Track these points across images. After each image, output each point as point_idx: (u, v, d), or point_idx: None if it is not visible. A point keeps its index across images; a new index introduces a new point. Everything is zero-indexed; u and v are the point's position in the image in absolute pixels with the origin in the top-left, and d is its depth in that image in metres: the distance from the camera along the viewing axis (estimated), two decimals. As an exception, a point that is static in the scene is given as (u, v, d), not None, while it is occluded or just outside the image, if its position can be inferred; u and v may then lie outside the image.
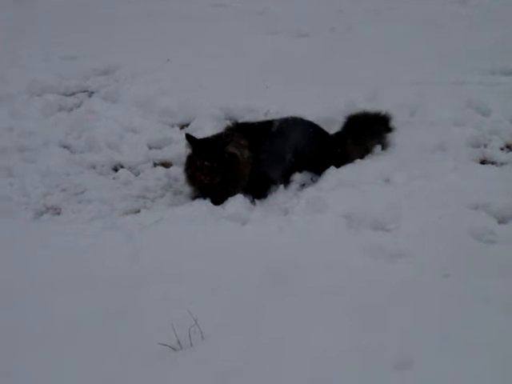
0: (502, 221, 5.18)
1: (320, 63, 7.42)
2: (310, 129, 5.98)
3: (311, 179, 5.80)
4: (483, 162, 5.95)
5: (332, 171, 5.83)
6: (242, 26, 8.53)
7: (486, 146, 6.10)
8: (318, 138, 5.98)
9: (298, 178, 5.78)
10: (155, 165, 6.08)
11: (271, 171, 5.70)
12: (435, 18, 8.75)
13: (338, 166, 5.88)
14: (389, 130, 6.21)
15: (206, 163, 5.48)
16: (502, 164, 5.93)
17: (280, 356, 3.86)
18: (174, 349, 4.01)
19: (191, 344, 4.02)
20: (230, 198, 5.51)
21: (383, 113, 6.24)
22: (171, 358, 3.98)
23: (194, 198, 5.61)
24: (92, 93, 6.86)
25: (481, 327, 4.04)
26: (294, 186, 5.72)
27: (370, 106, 6.32)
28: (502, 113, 6.39)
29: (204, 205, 5.49)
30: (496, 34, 7.55)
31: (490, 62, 7.02)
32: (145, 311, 4.27)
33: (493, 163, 5.94)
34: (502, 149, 6.09)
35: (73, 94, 6.85)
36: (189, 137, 5.56)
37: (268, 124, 5.91)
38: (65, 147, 6.20)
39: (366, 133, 6.11)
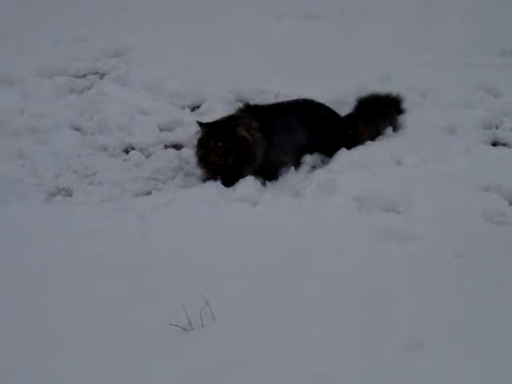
0: (512, 202, 5.21)
1: (331, 46, 7.41)
2: (321, 111, 5.98)
3: (322, 161, 5.81)
4: (495, 144, 5.95)
5: (343, 153, 5.84)
6: (252, 8, 8.46)
7: (497, 127, 6.10)
8: (329, 120, 5.98)
9: (308, 159, 5.79)
10: (166, 147, 6.09)
11: (282, 153, 5.71)
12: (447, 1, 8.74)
13: (348, 148, 5.88)
14: (400, 112, 6.21)
15: (219, 144, 5.51)
16: (513, 146, 5.92)
17: (284, 344, 3.88)
18: (186, 329, 4.04)
19: (202, 325, 4.05)
20: (241, 180, 5.54)
21: (394, 95, 6.25)
22: (183, 339, 4.01)
23: (205, 179, 5.63)
24: (103, 75, 6.87)
25: (491, 310, 4.06)
26: (304, 167, 5.73)
27: (382, 89, 6.32)
28: (512, 94, 6.38)
29: (215, 187, 5.51)
30: (506, 15, 7.52)
31: (501, 44, 7.00)
32: (156, 293, 4.30)
33: (504, 145, 5.94)
34: (513, 131, 6.08)
35: (84, 76, 6.86)
36: (200, 123, 5.59)
37: (279, 106, 5.94)
38: (76, 129, 6.22)
39: (377, 115, 6.12)
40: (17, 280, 4.37)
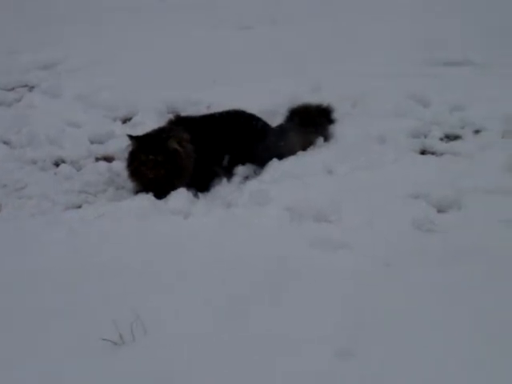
0: (441, 210, 5.27)
1: (263, 56, 7.42)
2: (253, 121, 6.02)
3: (254, 172, 5.83)
4: (423, 153, 6.03)
5: (275, 164, 5.87)
6: (185, 19, 8.46)
7: (425, 136, 6.17)
8: (261, 131, 6.01)
9: (240, 170, 5.81)
10: (97, 159, 6.08)
11: (214, 164, 5.73)
12: (380, 8, 8.80)
13: (280, 158, 5.92)
14: (331, 121, 6.26)
15: (150, 157, 5.52)
16: (441, 154, 6.00)
17: (215, 356, 3.91)
18: (116, 343, 4.02)
19: (134, 339, 4.04)
20: (172, 192, 5.54)
21: (325, 105, 6.29)
22: (113, 353, 4.00)
23: (137, 192, 5.63)
24: (32, 87, 6.82)
25: (419, 314, 4.14)
26: (237, 178, 5.75)
27: (314, 98, 6.37)
28: (441, 104, 6.47)
29: (146, 199, 5.50)
30: (437, 24, 7.60)
31: (431, 54, 7.08)
32: (87, 307, 4.26)
33: (432, 153, 6.02)
34: (441, 139, 6.17)
35: (12, 88, 6.80)
36: (131, 136, 5.60)
37: (210, 117, 5.96)
38: (4, 143, 6.18)
39: (308, 125, 6.15)
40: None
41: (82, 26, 7.83)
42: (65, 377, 3.64)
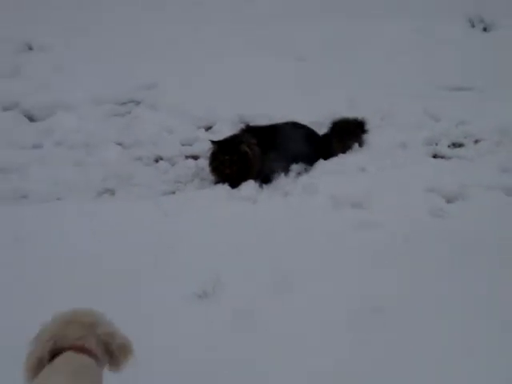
0: (449, 201, 5.25)
1: (313, 81, 7.33)
2: (305, 130, 6.00)
3: (305, 169, 5.78)
4: (435, 157, 5.98)
5: (321, 163, 5.87)
6: (252, 49, 8.27)
7: (437, 144, 6.12)
8: (311, 138, 6.00)
9: (295, 168, 5.77)
10: (186, 157, 6.07)
11: (275, 163, 5.72)
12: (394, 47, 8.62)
13: (325, 159, 5.92)
14: (364, 131, 6.18)
15: (226, 157, 5.55)
16: (449, 158, 5.97)
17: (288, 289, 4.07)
18: (201, 296, 4.11)
19: (214, 293, 4.13)
20: (243, 183, 5.56)
21: (360, 118, 6.25)
22: (200, 302, 4.09)
23: (216, 183, 5.64)
24: (139, 102, 6.84)
25: (429, 278, 4.26)
26: (292, 174, 5.72)
27: (351, 113, 6.33)
28: (449, 120, 6.42)
29: (223, 188, 5.52)
30: (445, 59, 7.51)
31: (441, 81, 7.02)
32: (180, 265, 4.36)
33: (442, 157, 5.97)
34: (449, 146, 6.11)
35: (124, 103, 6.85)
36: (212, 141, 5.64)
37: (273, 126, 5.97)
38: (118, 144, 6.21)
39: (346, 134, 6.12)
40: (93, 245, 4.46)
41: (172, 59, 7.73)
42: (161, 317, 3.68)
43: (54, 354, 2.70)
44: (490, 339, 3.73)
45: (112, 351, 2.88)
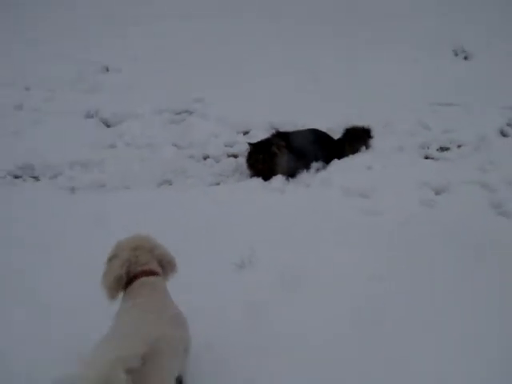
0: (437, 193, 5.20)
1: (327, 93, 7.23)
2: (323, 136, 5.94)
3: (322, 166, 5.74)
4: (426, 158, 5.90)
5: (335, 162, 5.80)
6: (277, 66, 8.19)
7: (428, 148, 6.03)
8: (327, 141, 5.93)
9: (314, 165, 5.71)
10: (228, 156, 6.04)
11: (299, 162, 5.67)
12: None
13: (339, 158, 5.84)
14: (370, 137, 6.11)
15: (260, 156, 5.52)
16: (437, 159, 5.87)
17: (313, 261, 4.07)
18: (240, 266, 4.10)
19: (250, 264, 4.14)
20: (273, 177, 5.53)
21: (367, 126, 6.16)
22: (239, 271, 4.10)
23: (252, 176, 5.61)
24: (191, 112, 6.83)
25: (424, 254, 4.26)
26: (312, 170, 5.68)
27: (360, 122, 6.25)
28: (437, 128, 6.33)
29: (258, 181, 5.50)
30: (436, 79, 7.42)
31: (432, 97, 6.92)
32: (223, 241, 4.34)
33: (432, 159, 5.88)
34: (437, 150, 6.01)
35: (179, 113, 6.84)
36: (249, 143, 5.63)
37: (297, 132, 5.91)
38: (175, 145, 6.20)
39: (356, 139, 6.05)
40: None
41: (216, 78, 7.69)
42: (215, 282, 3.64)
43: (129, 276, 2.97)
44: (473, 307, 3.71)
45: (163, 266, 3.11)
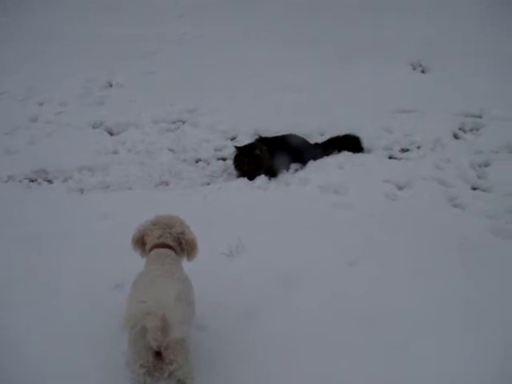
0: (400, 188, 5.19)
1: (305, 104, 7.15)
2: (301, 140, 5.87)
3: (300, 167, 5.71)
4: (390, 158, 5.87)
5: (311, 163, 5.73)
6: (262, 81, 7.78)
7: (391, 149, 5.98)
8: (304, 145, 5.87)
9: (293, 166, 5.70)
10: (218, 159, 5.98)
11: (279, 163, 5.64)
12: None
13: (315, 160, 5.77)
14: (342, 142, 6.01)
15: (245, 159, 5.50)
16: (400, 159, 5.83)
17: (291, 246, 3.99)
18: (228, 255, 4.07)
19: (237, 254, 4.12)
20: (257, 177, 5.50)
21: (340, 135, 5.99)
22: (228, 260, 4.07)
23: (238, 177, 5.58)
24: (184, 121, 6.75)
25: (385, 242, 4.27)
26: (291, 170, 5.66)
27: (333, 128, 6.23)
28: (399, 132, 6.28)
29: (243, 181, 5.47)
30: (397, 88, 7.40)
31: (393, 105, 6.87)
32: (212, 237, 4.17)
33: (395, 158, 5.85)
34: (399, 151, 5.98)
35: (174, 122, 6.76)
36: (236, 147, 5.60)
37: (277, 137, 5.87)
38: (170, 150, 6.15)
39: (330, 144, 5.95)
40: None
41: (207, 91, 7.57)
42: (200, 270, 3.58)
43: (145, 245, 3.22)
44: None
45: (182, 244, 3.22)
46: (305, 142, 5.91)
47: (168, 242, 3.19)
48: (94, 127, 6.72)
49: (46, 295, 3.72)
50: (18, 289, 3.79)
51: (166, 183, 5.56)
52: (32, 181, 5.59)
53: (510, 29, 8.80)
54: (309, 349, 3.28)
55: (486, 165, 5.53)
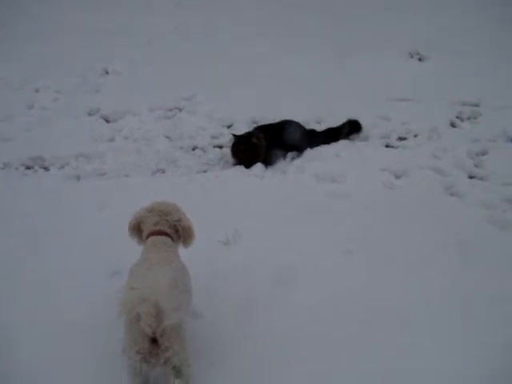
0: (396, 177, 5.17)
1: (302, 94, 7.09)
2: (298, 127, 5.81)
3: (297, 155, 5.67)
4: (387, 146, 5.84)
5: (308, 151, 5.69)
6: (260, 73, 7.94)
7: (389, 137, 5.96)
8: (302, 132, 5.80)
9: (290, 154, 5.67)
10: (214, 147, 5.94)
11: (276, 151, 5.61)
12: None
13: (311, 148, 5.72)
14: (339, 131, 5.96)
15: (242, 147, 5.46)
16: (397, 147, 5.80)
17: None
18: (225, 243, 4.04)
19: (234, 242, 4.10)
20: (254, 165, 5.46)
21: (338, 125, 5.93)
22: (224, 248, 4.05)
23: (235, 165, 5.55)
24: (181, 109, 6.70)
25: (381, 231, 4.28)
26: (288, 159, 5.63)
27: (329, 117, 6.19)
28: (396, 120, 6.24)
29: (240, 168, 5.44)
30: (394, 78, 7.34)
31: (391, 94, 6.82)
32: (209, 224, 4.05)
33: (392, 147, 5.82)
34: (397, 139, 5.94)
35: (171, 110, 6.70)
36: (233, 135, 5.56)
37: (274, 124, 5.82)
38: (167, 138, 6.10)
39: (327, 133, 5.88)
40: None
41: (204, 79, 7.48)
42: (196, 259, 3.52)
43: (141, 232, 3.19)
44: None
45: (179, 231, 3.18)
46: (302, 129, 5.83)
47: (164, 229, 3.17)
48: (90, 114, 6.64)
49: (46, 293, 3.65)
50: (15, 284, 3.75)
51: (163, 171, 5.52)
52: (28, 168, 5.54)
53: (510, 26, 8.71)
54: (306, 341, 3.24)
55: (483, 153, 5.51)
